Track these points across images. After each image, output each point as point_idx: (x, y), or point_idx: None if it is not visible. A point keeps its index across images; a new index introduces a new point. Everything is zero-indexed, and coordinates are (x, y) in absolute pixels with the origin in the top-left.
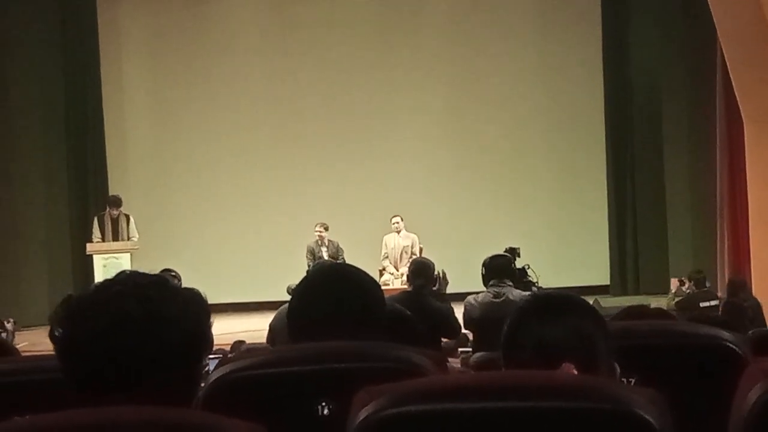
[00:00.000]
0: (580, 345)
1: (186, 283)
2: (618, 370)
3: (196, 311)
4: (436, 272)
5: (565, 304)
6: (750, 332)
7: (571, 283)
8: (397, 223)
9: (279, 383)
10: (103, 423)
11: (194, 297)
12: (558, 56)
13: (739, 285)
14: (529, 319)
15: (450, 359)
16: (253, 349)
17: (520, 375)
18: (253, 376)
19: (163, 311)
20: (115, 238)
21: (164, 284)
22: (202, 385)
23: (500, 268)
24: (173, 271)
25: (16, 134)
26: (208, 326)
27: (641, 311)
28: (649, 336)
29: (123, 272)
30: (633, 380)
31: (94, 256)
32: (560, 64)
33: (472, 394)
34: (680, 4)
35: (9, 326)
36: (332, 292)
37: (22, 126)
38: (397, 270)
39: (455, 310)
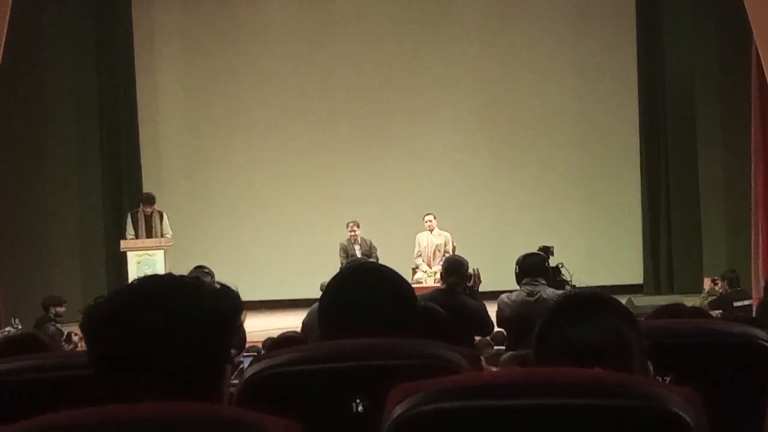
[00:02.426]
0: (613, 344)
1: (220, 280)
2: (651, 369)
3: (225, 309)
4: (469, 270)
5: (596, 303)
6: None
7: (604, 282)
8: (430, 221)
9: (313, 380)
10: (139, 418)
11: (225, 294)
12: (591, 54)
13: None
14: (560, 320)
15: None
16: (288, 337)
17: (555, 372)
18: (288, 372)
19: (190, 313)
20: (149, 235)
21: (190, 285)
22: (237, 381)
23: (534, 267)
24: (206, 268)
25: (50, 133)
26: (239, 324)
27: (677, 309)
28: (683, 335)
29: (149, 275)
30: (668, 379)
31: (128, 253)
32: (594, 62)
33: (507, 391)
34: (714, 4)
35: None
36: (363, 290)
37: (57, 124)
38: (431, 268)
39: (488, 308)
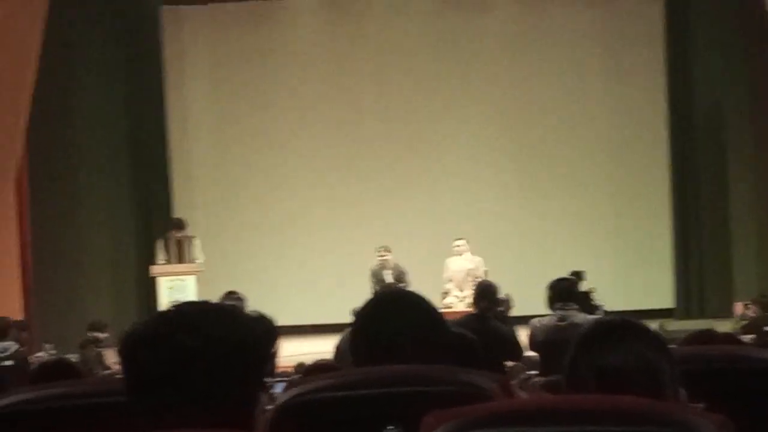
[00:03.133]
0: (644, 371)
1: (250, 305)
2: (685, 396)
3: (261, 336)
4: (501, 295)
5: (626, 330)
6: None
7: (635, 307)
8: (459, 246)
9: (346, 407)
10: None
11: (261, 321)
12: (620, 75)
13: None
14: (591, 346)
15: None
16: (321, 364)
17: (588, 399)
18: (321, 399)
19: (226, 337)
20: (180, 260)
21: (227, 310)
22: (269, 407)
23: (565, 292)
24: (237, 294)
25: (81, 158)
26: (272, 351)
27: (709, 336)
28: (716, 361)
29: (180, 303)
30: (701, 406)
31: (159, 279)
32: (622, 83)
33: (540, 418)
34: (743, 23)
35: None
36: (394, 317)
37: (87, 150)
38: (461, 292)
39: (519, 332)
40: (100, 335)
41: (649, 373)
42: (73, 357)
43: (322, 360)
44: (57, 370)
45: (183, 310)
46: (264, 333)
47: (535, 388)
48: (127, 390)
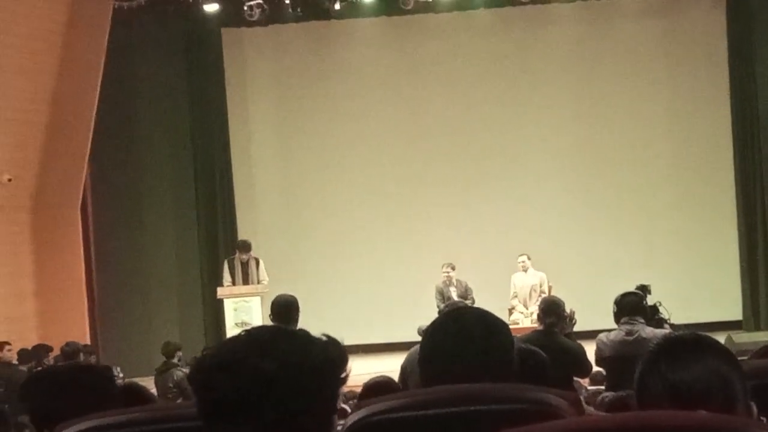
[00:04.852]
0: (715, 386)
1: (315, 325)
2: (756, 410)
3: (333, 359)
4: (567, 311)
5: (697, 345)
6: None
7: (702, 319)
8: (523, 261)
9: (417, 427)
10: None
11: (333, 344)
12: (684, 91)
13: None
14: (662, 363)
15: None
16: (376, 382)
17: (660, 415)
18: (392, 419)
19: (300, 361)
20: (245, 281)
21: (300, 334)
22: (339, 427)
23: (632, 306)
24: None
25: (147, 181)
26: (341, 374)
27: None
28: None
29: (253, 328)
30: None
31: (225, 300)
32: (687, 99)
33: None
34: None
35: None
36: (463, 339)
37: (152, 175)
38: (527, 309)
39: (585, 347)
40: (180, 354)
41: (721, 388)
42: (141, 380)
43: (378, 377)
44: (127, 394)
45: (256, 335)
46: (336, 355)
47: (606, 404)
48: (200, 416)
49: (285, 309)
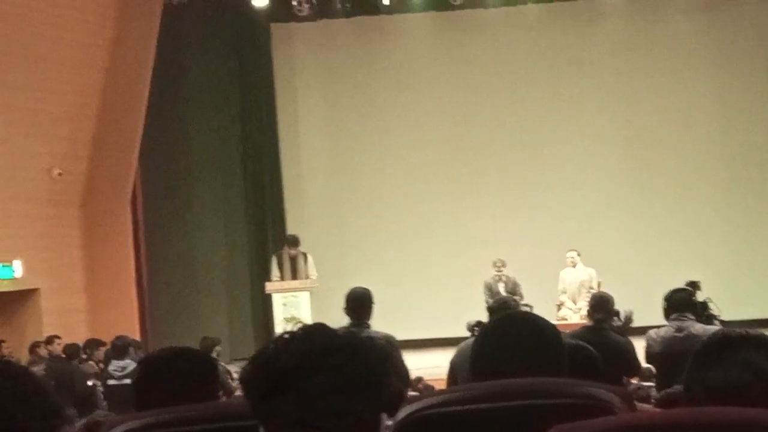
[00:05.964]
0: (763, 384)
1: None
2: None
3: (382, 362)
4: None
5: (744, 342)
6: None
7: (753, 316)
8: (573, 257)
9: (467, 421)
10: None
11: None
12: (734, 86)
13: None
14: (710, 360)
15: None
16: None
17: (714, 412)
18: (442, 414)
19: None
20: (294, 276)
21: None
22: (389, 423)
23: (682, 302)
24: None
25: (196, 177)
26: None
27: None
28: None
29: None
30: None
31: (273, 295)
32: (737, 94)
33: None
34: None
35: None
36: (515, 344)
37: (202, 167)
38: (575, 304)
39: (635, 343)
40: (219, 349)
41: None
42: None
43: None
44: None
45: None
46: (383, 356)
47: (659, 400)
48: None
49: (360, 302)
